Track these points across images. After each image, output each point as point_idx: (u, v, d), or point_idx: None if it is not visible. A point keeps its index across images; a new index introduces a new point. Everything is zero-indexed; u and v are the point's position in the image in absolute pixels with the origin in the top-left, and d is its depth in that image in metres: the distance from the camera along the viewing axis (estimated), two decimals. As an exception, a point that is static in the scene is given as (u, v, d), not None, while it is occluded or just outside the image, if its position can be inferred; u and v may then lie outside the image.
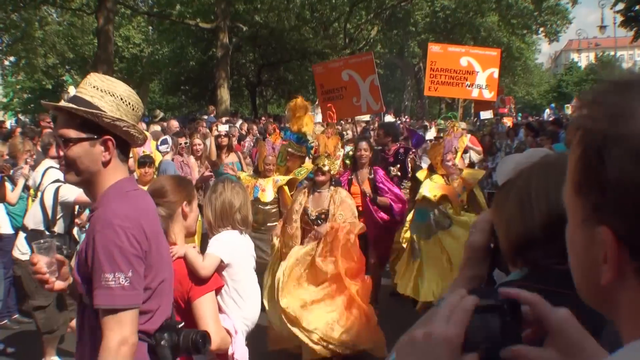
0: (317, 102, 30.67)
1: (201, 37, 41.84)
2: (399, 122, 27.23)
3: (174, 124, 18.05)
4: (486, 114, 25.56)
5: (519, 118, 43.32)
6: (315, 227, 7.97)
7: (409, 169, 11.04)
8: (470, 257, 2.28)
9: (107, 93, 3.15)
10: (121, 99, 3.18)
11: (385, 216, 9.81)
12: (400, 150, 11.32)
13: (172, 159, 12.39)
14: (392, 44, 51.35)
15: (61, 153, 3.15)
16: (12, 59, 38.67)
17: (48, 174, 9.46)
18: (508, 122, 31.28)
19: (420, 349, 1.35)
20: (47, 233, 8.22)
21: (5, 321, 10.01)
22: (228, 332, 4.33)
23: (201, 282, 4.07)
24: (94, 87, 3.15)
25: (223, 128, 14.06)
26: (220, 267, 4.57)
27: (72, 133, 3.12)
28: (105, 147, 3.14)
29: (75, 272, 3.19)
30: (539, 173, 1.96)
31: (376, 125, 24.67)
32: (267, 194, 9.62)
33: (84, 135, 3.11)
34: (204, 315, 3.98)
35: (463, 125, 12.91)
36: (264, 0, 39.74)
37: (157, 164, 12.23)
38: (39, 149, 10.23)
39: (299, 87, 45.59)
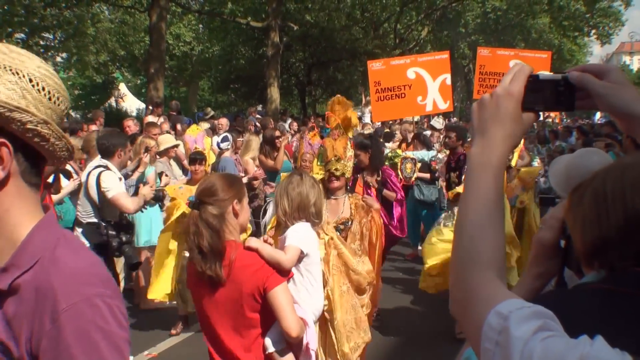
0: (363, 102, 30.80)
1: (251, 35, 41.99)
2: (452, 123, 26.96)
3: (224, 121, 18.08)
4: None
5: (565, 120, 42.71)
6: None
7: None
8: (538, 254, 2.33)
9: (7, 70, 1.85)
10: (30, 80, 1.88)
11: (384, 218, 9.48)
12: (461, 157, 11.12)
13: (235, 159, 12.40)
14: (442, 45, 50.96)
15: None
16: (64, 55, 39.07)
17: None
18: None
19: (489, 105, 1.77)
20: (103, 224, 8.13)
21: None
22: (303, 321, 4.31)
23: (279, 273, 4.09)
24: None
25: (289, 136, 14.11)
26: (299, 257, 4.65)
27: None
28: None
29: None
30: (615, 174, 1.90)
31: (425, 126, 24.50)
32: None
33: None
34: (282, 304, 4.01)
35: None
36: (314, -1, 39.84)
37: (209, 162, 12.22)
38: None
39: (349, 86, 45.65)
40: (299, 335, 4.09)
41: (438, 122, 22.53)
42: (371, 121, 22.08)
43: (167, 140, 11.81)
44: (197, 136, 9.76)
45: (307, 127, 20.12)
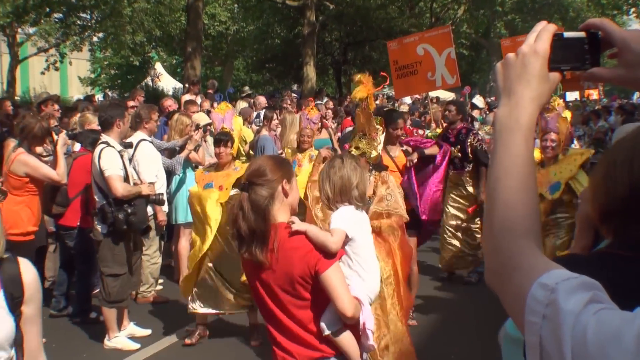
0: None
1: (287, 14, 41.91)
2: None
3: (262, 99, 18.20)
4: (572, 95, 25.05)
5: (603, 101, 42.22)
6: None
7: (469, 151, 10.88)
8: (581, 227, 2.49)
9: None
10: None
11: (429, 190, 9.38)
12: (462, 130, 11.13)
13: (275, 135, 12.48)
14: (478, 24, 50.58)
15: None
16: (100, 35, 39.14)
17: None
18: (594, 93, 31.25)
19: (515, 64, 1.71)
20: (105, 205, 8.20)
21: (98, 290, 10.12)
22: (358, 300, 4.31)
23: (328, 256, 4.08)
24: None
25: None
26: (344, 241, 4.59)
27: None
28: None
29: None
30: (627, 144, 1.98)
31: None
32: (304, 169, 9.37)
33: None
34: (335, 285, 4.03)
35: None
36: (350, -22, 39.58)
37: (240, 140, 12.22)
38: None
39: (384, 66, 45.20)
40: (354, 315, 4.11)
41: (480, 101, 22.45)
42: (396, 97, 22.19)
43: (200, 118, 11.84)
44: (226, 115, 9.53)
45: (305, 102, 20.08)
